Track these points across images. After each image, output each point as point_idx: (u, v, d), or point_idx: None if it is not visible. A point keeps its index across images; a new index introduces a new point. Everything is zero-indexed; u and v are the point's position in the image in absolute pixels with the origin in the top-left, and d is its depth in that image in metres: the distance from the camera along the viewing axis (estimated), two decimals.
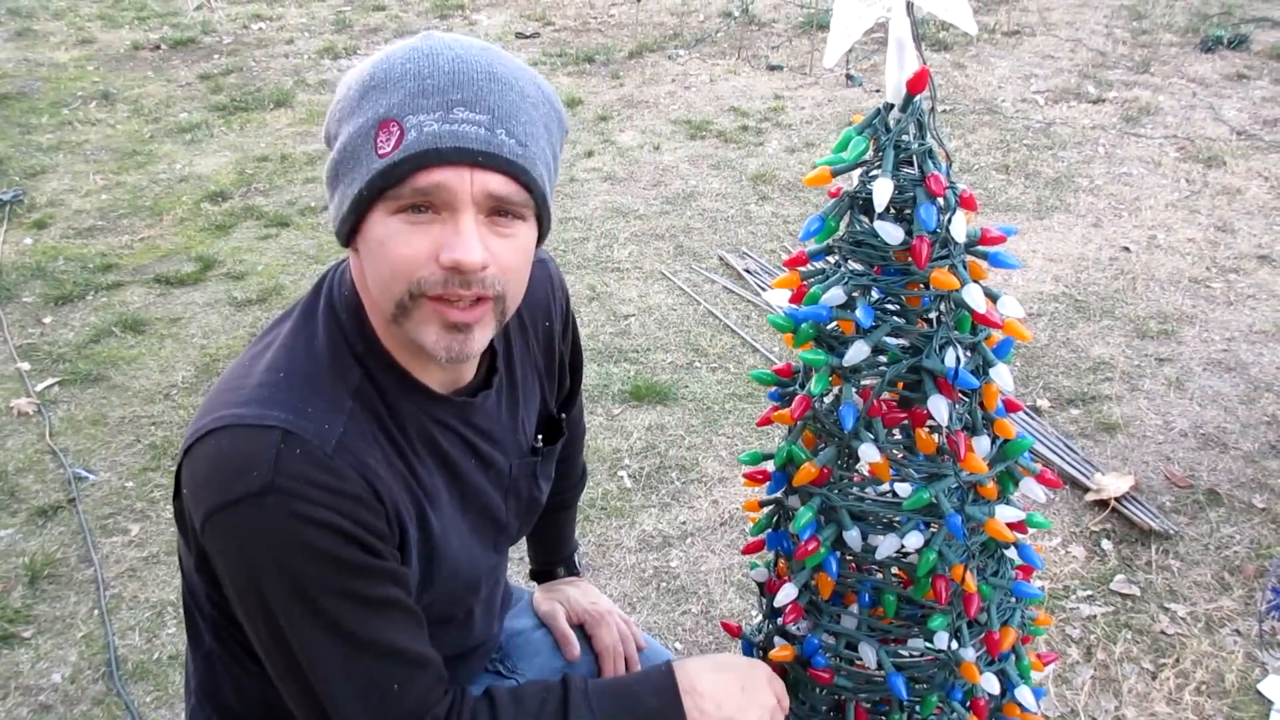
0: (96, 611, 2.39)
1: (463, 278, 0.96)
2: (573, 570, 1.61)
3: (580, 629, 1.52)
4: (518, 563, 2.33)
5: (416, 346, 1.02)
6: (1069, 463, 2.74)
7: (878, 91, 5.50)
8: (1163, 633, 2.25)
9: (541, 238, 1.06)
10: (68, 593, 2.46)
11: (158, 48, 6.97)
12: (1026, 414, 2.96)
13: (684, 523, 2.63)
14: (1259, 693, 2.10)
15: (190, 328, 3.60)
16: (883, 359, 1.17)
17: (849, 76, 5.81)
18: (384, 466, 1.04)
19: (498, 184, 0.96)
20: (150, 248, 4.23)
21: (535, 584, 1.62)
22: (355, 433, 1.01)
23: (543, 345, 1.29)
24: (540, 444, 1.29)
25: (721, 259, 3.94)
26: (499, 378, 1.19)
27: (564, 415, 1.34)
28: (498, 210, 0.98)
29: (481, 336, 1.02)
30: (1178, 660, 2.17)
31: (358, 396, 1.04)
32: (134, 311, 3.70)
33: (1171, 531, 2.51)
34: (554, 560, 1.61)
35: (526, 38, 6.92)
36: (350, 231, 1.01)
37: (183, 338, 3.54)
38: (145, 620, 2.37)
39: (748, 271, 3.81)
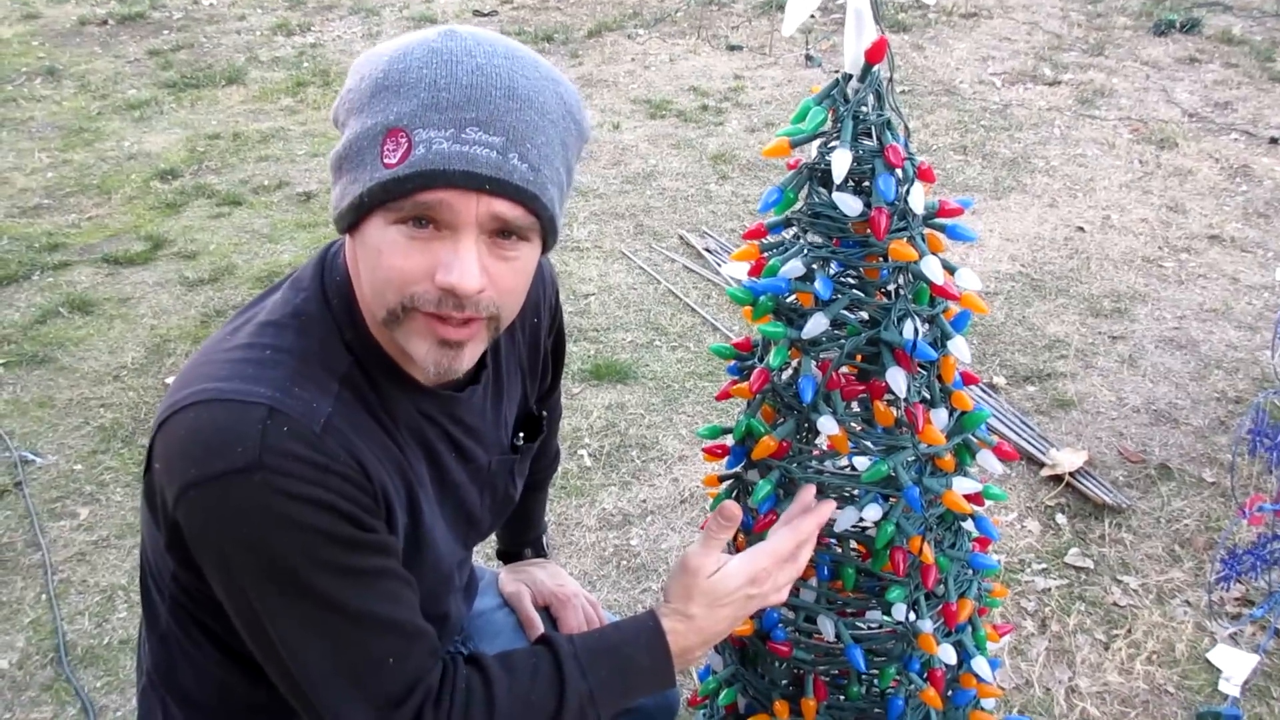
0: (44, 596, 2.34)
1: (456, 300, 0.94)
2: (540, 552, 1.60)
3: (545, 611, 1.51)
4: (485, 543, 2.31)
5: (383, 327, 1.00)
6: (1025, 439, 2.77)
7: (836, 72, 5.52)
8: (1115, 604, 2.28)
9: (546, 251, 1.04)
10: (14, 578, 2.40)
11: (105, 23, 6.80)
12: (983, 391, 2.99)
13: (644, 501, 2.62)
14: (1208, 661, 2.14)
15: (140, 308, 3.53)
16: (841, 332, 1.17)
17: (808, 57, 5.81)
18: (374, 449, 1.01)
19: (504, 208, 0.92)
20: (98, 227, 4.13)
21: (501, 564, 1.61)
22: (342, 415, 0.99)
23: (528, 341, 1.27)
24: (521, 441, 1.27)
25: (681, 238, 3.93)
26: (487, 373, 1.17)
27: (543, 413, 1.32)
28: (501, 232, 0.95)
29: (472, 352, 1.00)
30: (1129, 631, 2.21)
31: (346, 382, 1.01)
32: (82, 292, 3.61)
33: (1124, 505, 2.55)
34: (522, 541, 1.59)
35: (484, 15, 6.84)
36: (349, 226, 0.98)
37: (132, 318, 3.47)
38: (95, 605, 2.32)
39: (708, 250, 3.80)
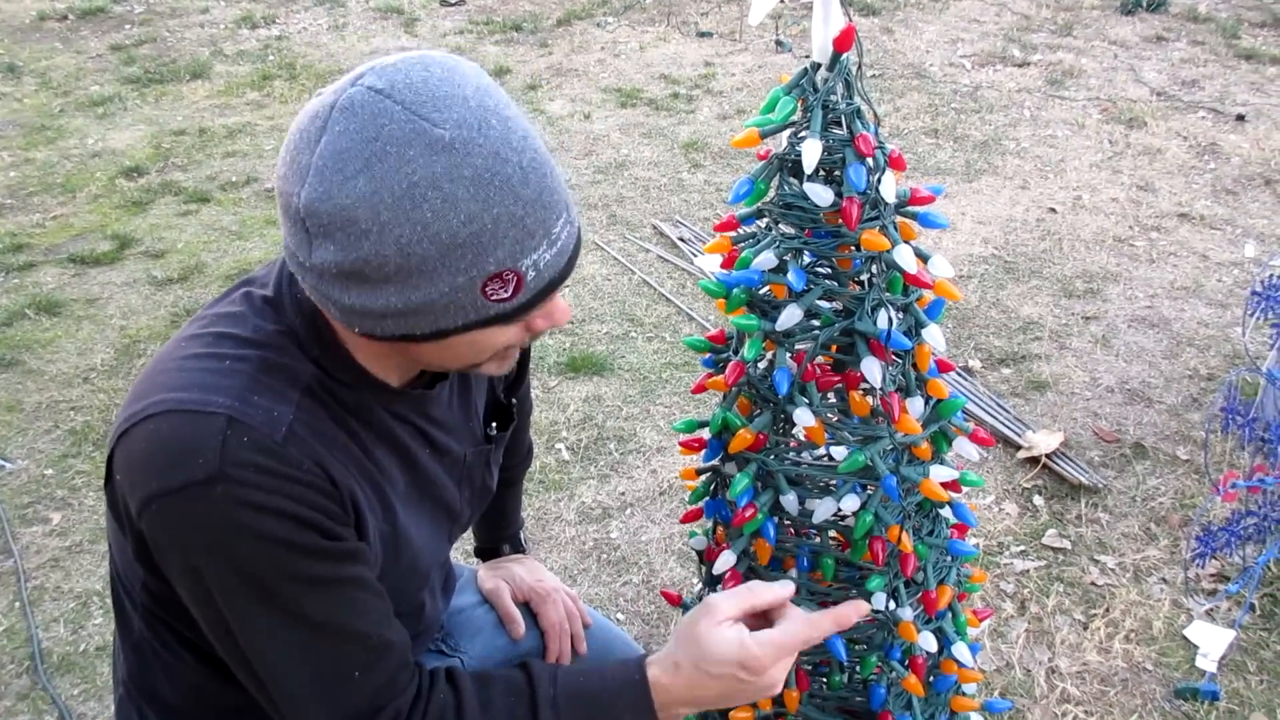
0: (18, 604, 2.31)
1: None
2: (518, 548, 1.59)
3: (525, 606, 1.50)
4: (463, 539, 2.30)
5: (384, 351, 1.00)
6: (1001, 421, 2.78)
7: (807, 57, 5.51)
8: (1093, 584, 2.30)
9: None
10: None
11: (65, 18, 6.69)
12: (959, 374, 3.00)
13: (623, 493, 2.62)
14: (1185, 638, 2.16)
15: (108, 308, 3.48)
16: (815, 323, 1.16)
17: (779, 42, 5.80)
18: (339, 455, 1.00)
19: None
20: (63, 226, 4.07)
21: (479, 561, 1.60)
22: (304, 422, 0.97)
23: None
24: (494, 431, 1.26)
25: (655, 228, 3.92)
26: None
27: (513, 401, 1.31)
28: None
29: None
30: (1107, 610, 2.23)
31: (308, 389, 1.00)
32: (48, 293, 3.56)
33: (1100, 485, 2.56)
34: (500, 538, 1.58)
35: (451, 5, 6.78)
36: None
37: (101, 319, 3.42)
38: (70, 611, 2.29)
39: (682, 240, 3.79)
